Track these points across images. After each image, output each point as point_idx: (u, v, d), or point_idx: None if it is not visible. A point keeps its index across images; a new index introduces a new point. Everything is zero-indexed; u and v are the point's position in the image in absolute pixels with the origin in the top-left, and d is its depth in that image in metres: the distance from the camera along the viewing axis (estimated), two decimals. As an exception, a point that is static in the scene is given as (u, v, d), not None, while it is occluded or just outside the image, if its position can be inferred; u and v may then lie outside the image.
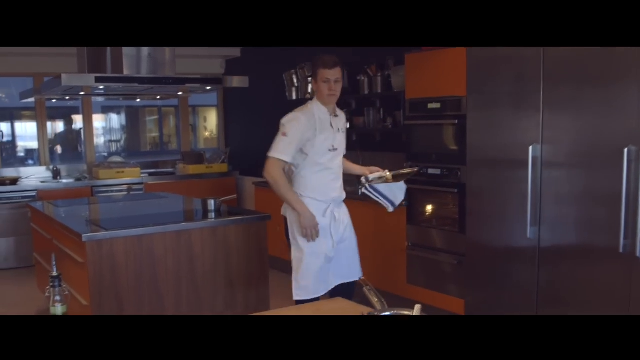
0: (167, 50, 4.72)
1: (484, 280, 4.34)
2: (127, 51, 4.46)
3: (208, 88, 4.66)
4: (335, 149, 3.90)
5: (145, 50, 4.56)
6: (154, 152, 15.92)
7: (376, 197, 4.03)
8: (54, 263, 1.79)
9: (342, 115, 4.07)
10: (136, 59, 4.56)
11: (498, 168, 4.22)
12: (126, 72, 4.44)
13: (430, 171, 4.79)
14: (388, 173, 3.91)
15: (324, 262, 3.87)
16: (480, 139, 4.33)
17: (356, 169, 4.18)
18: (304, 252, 3.85)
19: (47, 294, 1.64)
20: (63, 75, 4.05)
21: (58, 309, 1.63)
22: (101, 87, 4.30)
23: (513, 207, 4.10)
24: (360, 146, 6.27)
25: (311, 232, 3.79)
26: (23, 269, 7.10)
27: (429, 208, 4.92)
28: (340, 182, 3.99)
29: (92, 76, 4.16)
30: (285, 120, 3.83)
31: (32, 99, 6.39)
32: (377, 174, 3.90)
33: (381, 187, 3.99)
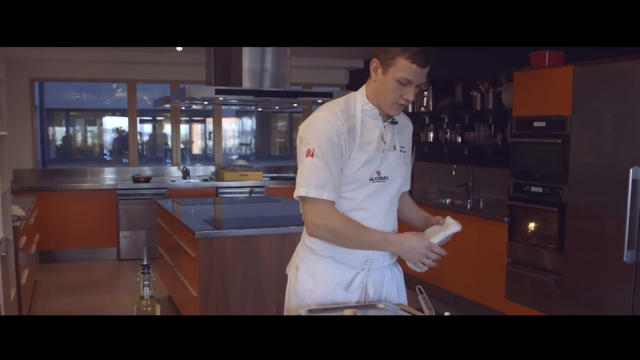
0: (286, 65, 5.02)
1: (580, 301, 4.33)
2: (247, 65, 4.82)
3: (319, 101, 4.94)
4: (381, 178, 2.32)
5: (266, 63, 4.89)
6: (282, 156, 16.56)
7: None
8: (145, 254, 2.14)
9: (404, 123, 2.47)
10: (257, 74, 4.90)
11: (598, 189, 4.21)
12: (246, 84, 4.80)
13: (533, 189, 4.82)
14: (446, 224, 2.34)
15: None
16: (582, 159, 4.33)
17: (418, 216, 2.56)
18: None
19: (137, 279, 2.04)
20: (186, 87, 4.48)
21: (146, 292, 2.05)
22: (221, 98, 4.69)
23: (611, 229, 4.08)
24: (470, 161, 6.35)
25: (427, 263, 2.22)
26: (150, 260, 7.68)
27: (531, 225, 4.94)
28: (387, 228, 2.38)
29: (213, 88, 4.56)
30: (304, 127, 2.31)
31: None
32: (440, 236, 2.27)
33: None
